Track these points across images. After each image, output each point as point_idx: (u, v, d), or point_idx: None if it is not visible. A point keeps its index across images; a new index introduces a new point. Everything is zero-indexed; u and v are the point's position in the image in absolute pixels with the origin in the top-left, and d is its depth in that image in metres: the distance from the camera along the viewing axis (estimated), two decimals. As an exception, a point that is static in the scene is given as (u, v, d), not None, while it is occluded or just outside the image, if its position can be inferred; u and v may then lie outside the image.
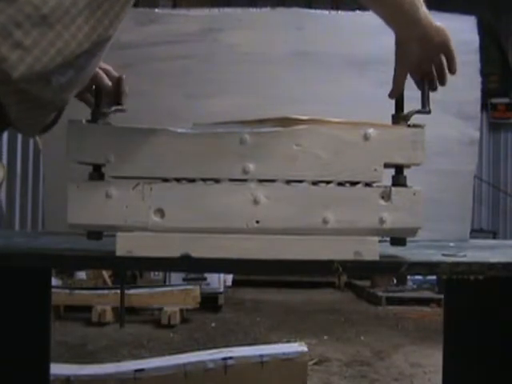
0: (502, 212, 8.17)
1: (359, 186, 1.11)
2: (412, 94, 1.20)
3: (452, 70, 1.16)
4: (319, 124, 1.12)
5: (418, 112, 1.15)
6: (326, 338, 4.65)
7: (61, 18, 0.85)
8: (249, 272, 4.00)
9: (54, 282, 4.98)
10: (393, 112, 1.17)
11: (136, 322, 5.01)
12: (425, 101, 1.15)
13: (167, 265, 1.19)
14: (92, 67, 0.96)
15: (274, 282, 6.65)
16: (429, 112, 1.15)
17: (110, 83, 1.17)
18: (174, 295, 5.05)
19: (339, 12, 1.81)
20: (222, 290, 5.63)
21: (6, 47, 0.82)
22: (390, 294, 6.27)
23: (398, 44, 1.15)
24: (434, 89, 1.17)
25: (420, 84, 1.18)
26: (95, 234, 1.12)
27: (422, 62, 1.16)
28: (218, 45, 1.73)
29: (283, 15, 1.79)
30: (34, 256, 1.15)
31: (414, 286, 6.61)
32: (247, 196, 1.09)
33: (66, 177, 1.13)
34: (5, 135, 5.27)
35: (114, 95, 1.14)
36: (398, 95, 1.17)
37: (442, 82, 1.17)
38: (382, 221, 1.09)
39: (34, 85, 0.87)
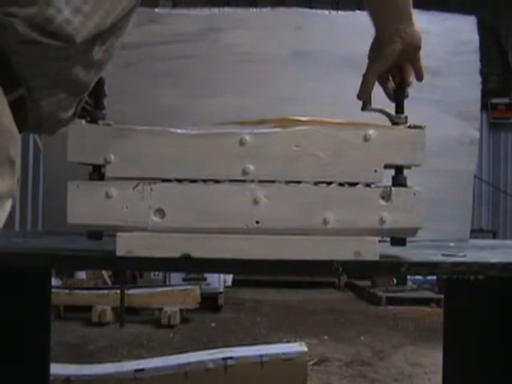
0: (502, 212, 8.17)
1: (359, 186, 1.11)
2: (413, 95, 1.20)
3: (420, 78, 1.18)
4: (319, 125, 1.12)
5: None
6: (326, 338, 4.65)
7: None
8: (249, 272, 4.00)
9: (54, 282, 4.98)
10: (393, 112, 1.17)
11: (136, 322, 5.01)
12: (398, 108, 1.17)
13: (167, 265, 1.19)
14: (117, 47, 0.96)
15: (274, 282, 6.66)
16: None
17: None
18: (174, 295, 5.05)
19: (339, 12, 1.80)
20: (221, 289, 5.63)
21: (68, 11, 0.82)
22: (390, 294, 6.27)
23: (381, 41, 1.15)
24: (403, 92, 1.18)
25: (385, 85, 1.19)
26: (95, 233, 1.12)
27: (396, 61, 1.17)
28: (217, 45, 1.73)
29: (283, 15, 1.79)
30: (34, 256, 1.15)
31: (414, 286, 6.61)
32: (247, 196, 1.09)
33: (66, 177, 1.13)
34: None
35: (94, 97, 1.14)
36: (367, 96, 1.17)
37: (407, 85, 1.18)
38: (382, 221, 1.09)
39: (80, 56, 0.87)
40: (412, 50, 1.16)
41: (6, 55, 0.83)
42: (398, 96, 1.18)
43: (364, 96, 1.18)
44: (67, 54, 0.85)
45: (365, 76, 1.17)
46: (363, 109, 1.18)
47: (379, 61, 1.16)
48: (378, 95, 1.20)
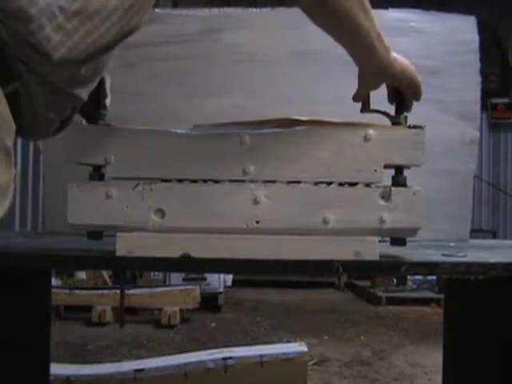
0: (501, 212, 8.17)
1: (359, 186, 1.11)
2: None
3: (417, 99, 1.18)
4: (319, 125, 1.12)
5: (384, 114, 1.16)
6: (326, 338, 4.65)
7: (99, 11, 0.88)
8: (249, 272, 4.00)
9: (54, 282, 4.98)
10: (392, 112, 1.17)
11: (136, 322, 5.01)
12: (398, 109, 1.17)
13: (167, 265, 1.19)
14: (106, 63, 0.97)
15: (274, 281, 6.65)
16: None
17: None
18: (173, 295, 5.05)
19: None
20: (221, 289, 5.63)
21: (50, 28, 0.84)
22: (390, 294, 6.27)
23: (360, 73, 1.16)
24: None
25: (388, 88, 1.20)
26: (95, 234, 1.12)
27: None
28: (217, 45, 1.73)
29: (283, 15, 1.79)
30: (34, 256, 1.15)
31: (414, 286, 6.61)
32: (247, 196, 1.09)
33: (66, 177, 1.13)
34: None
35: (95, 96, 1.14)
36: (362, 100, 1.18)
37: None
38: (382, 221, 1.10)
39: (64, 73, 0.89)
40: (401, 83, 1.16)
41: (3, 51, 0.84)
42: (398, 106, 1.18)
43: (358, 100, 1.18)
44: (51, 69, 0.87)
45: (357, 92, 1.18)
46: (362, 110, 1.18)
47: (366, 87, 1.17)
48: (378, 95, 1.19)
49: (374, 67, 1.12)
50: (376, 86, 1.16)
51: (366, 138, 1.11)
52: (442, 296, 4.99)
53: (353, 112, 1.17)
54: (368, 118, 1.16)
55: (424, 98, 1.18)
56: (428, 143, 1.12)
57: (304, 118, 1.12)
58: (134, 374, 2.74)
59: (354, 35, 1.09)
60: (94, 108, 1.14)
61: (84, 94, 0.95)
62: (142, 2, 0.93)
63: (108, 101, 1.17)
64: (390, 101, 1.18)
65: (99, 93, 1.14)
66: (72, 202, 1.09)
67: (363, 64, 1.13)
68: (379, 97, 1.20)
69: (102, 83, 1.14)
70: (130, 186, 1.10)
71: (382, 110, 1.17)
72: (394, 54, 1.13)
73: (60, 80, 0.89)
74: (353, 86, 1.18)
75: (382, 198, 1.10)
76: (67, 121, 1.02)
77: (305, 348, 3.03)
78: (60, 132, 1.03)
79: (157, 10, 1.77)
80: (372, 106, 1.18)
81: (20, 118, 0.90)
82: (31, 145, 5.73)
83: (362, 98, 1.17)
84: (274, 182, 1.11)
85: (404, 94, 1.16)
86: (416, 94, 1.16)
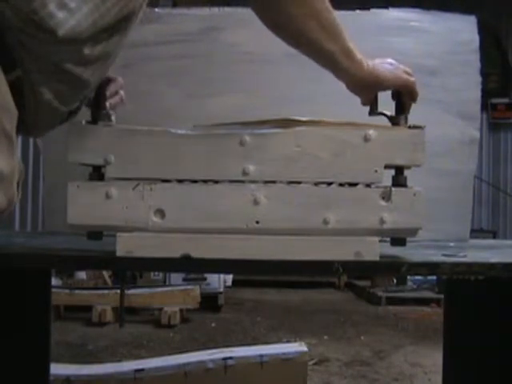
0: (501, 212, 8.17)
1: (360, 186, 1.11)
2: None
3: (413, 99, 1.17)
4: (319, 125, 1.12)
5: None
6: (326, 337, 4.65)
7: None
8: (249, 272, 4.00)
9: (54, 282, 4.97)
10: (393, 113, 1.17)
11: (136, 322, 5.01)
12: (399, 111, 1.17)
13: (167, 265, 1.19)
14: (116, 48, 0.97)
15: (274, 282, 6.65)
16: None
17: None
18: (174, 295, 5.05)
19: (339, 12, 1.80)
20: (221, 289, 5.63)
21: (53, 5, 0.85)
22: (390, 294, 6.27)
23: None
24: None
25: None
26: (95, 234, 1.12)
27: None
28: (218, 44, 1.73)
29: (283, 15, 1.78)
30: (34, 256, 1.15)
31: (414, 286, 6.60)
32: (247, 196, 1.09)
33: (66, 177, 1.13)
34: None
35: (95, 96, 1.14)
36: (368, 104, 1.18)
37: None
38: (382, 221, 1.09)
39: (67, 52, 0.89)
40: (386, 89, 1.16)
41: (5, 35, 0.84)
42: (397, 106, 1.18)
43: (366, 104, 1.18)
44: (55, 48, 0.87)
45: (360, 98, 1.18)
46: (370, 114, 1.18)
47: (365, 98, 1.17)
48: (380, 95, 1.19)
49: (347, 83, 1.14)
50: (362, 97, 1.17)
51: (366, 139, 1.11)
52: (442, 296, 4.99)
53: (353, 112, 1.17)
54: (368, 118, 1.16)
55: (424, 97, 1.18)
56: (428, 143, 1.12)
57: (304, 118, 1.12)
58: (134, 373, 2.74)
59: (318, 56, 1.13)
60: (94, 108, 1.14)
61: (90, 75, 0.95)
62: None
63: (112, 100, 1.16)
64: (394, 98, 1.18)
65: (100, 93, 1.14)
66: (72, 202, 1.09)
67: (338, 78, 1.15)
68: (383, 95, 1.19)
69: (103, 83, 1.14)
70: (130, 186, 1.10)
71: (388, 110, 1.17)
72: (375, 61, 1.14)
73: (62, 60, 0.89)
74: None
75: (383, 198, 1.10)
76: (77, 110, 1.02)
77: (305, 348, 3.03)
78: (67, 121, 1.03)
79: (156, 9, 1.77)
80: (381, 102, 1.18)
81: (23, 110, 0.90)
82: (31, 145, 5.72)
83: (369, 102, 1.17)
84: (274, 182, 1.11)
85: (401, 94, 1.16)
86: (411, 94, 1.16)
